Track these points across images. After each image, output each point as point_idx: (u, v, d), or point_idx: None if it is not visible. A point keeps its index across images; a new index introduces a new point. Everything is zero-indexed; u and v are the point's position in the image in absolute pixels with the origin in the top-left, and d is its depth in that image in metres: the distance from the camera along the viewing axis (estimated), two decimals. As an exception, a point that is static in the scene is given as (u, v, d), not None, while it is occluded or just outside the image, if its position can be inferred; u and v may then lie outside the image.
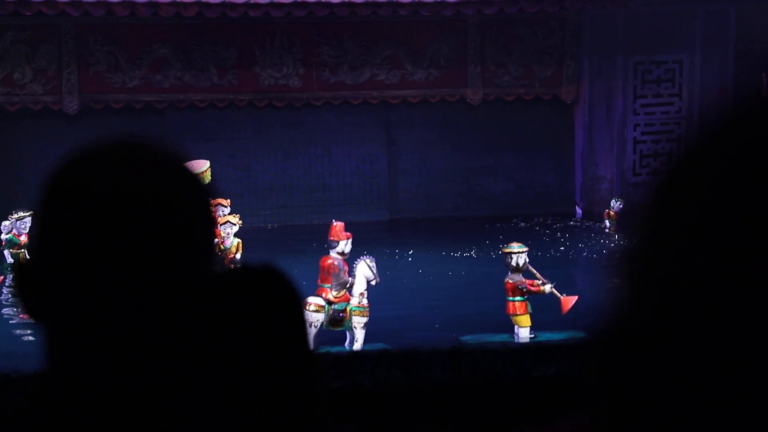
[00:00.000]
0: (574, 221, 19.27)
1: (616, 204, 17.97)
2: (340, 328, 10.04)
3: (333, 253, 10.24)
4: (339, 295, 10.04)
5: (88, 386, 1.11)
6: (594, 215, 18.90)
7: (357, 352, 6.42)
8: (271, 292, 1.81)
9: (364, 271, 10.04)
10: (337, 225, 10.41)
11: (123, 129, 17.21)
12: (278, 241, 16.39)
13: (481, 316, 11.01)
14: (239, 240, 11.80)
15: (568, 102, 19.99)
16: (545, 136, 20.18)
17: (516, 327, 10.13)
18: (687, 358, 0.70)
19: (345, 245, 10.24)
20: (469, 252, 15.75)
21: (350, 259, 10.36)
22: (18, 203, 13.99)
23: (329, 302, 9.96)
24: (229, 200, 12.13)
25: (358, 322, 9.96)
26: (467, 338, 9.71)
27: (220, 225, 11.65)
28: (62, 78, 18.45)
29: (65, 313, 1.12)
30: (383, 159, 20.22)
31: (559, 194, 20.28)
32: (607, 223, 17.82)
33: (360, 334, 9.96)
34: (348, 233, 10.32)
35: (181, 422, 1.14)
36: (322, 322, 9.93)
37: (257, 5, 17.50)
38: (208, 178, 12.94)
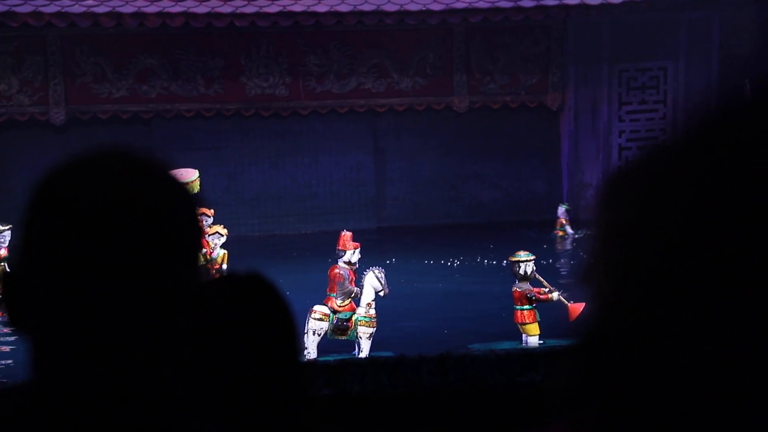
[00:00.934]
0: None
1: (561, 210, 18.01)
2: (344, 338, 9.99)
3: (340, 263, 10.20)
4: (344, 305, 9.99)
5: (74, 397, 1.10)
6: (581, 222, 18.93)
7: (345, 359, 6.41)
8: (257, 300, 1.81)
9: (372, 281, 9.98)
10: (345, 234, 10.38)
11: (110, 139, 17.17)
12: (265, 250, 16.34)
13: (482, 324, 10.92)
14: (225, 251, 11.73)
15: (554, 109, 20.03)
16: (532, 143, 20.20)
17: (524, 336, 10.00)
18: (666, 361, 0.69)
19: (352, 254, 10.21)
20: (460, 260, 15.72)
21: (360, 268, 10.31)
22: (4, 214, 13.92)
23: (334, 311, 9.93)
24: (212, 210, 12.07)
25: (364, 333, 9.90)
26: (476, 347, 9.54)
27: (209, 235, 11.59)
28: (49, 89, 18.39)
29: (51, 323, 1.10)
30: (370, 167, 20.19)
31: (547, 201, 20.28)
32: (556, 233, 17.92)
33: (366, 345, 9.90)
34: (356, 243, 10.28)
35: (168, 430, 1.14)
36: (326, 331, 9.90)
37: (243, 15, 17.51)
38: (196, 187, 12.91)
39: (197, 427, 1.18)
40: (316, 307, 9.90)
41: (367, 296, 9.99)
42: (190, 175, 13.04)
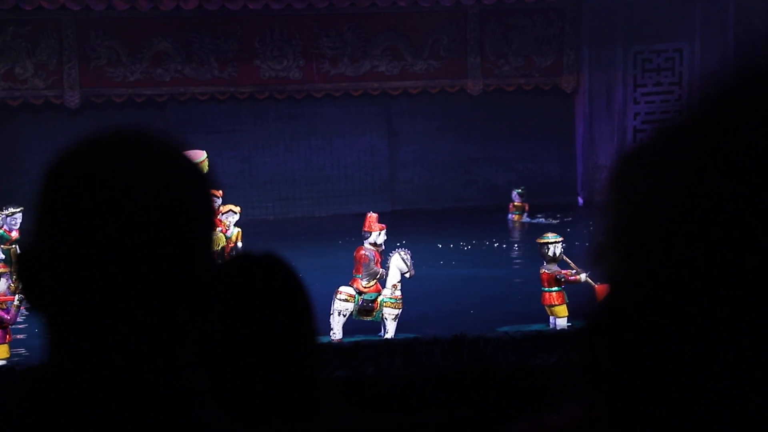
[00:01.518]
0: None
1: (515, 193, 17.90)
2: (370, 318, 9.98)
3: (366, 244, 10.19)
4: (369, 286, 9.99)
5: (88, 379, 1.11)
6: (595, 205, 18.86)
7: (359, 341, 6.42)
8: (273, 279, 1.81)
9: (398, 263, 9.97)
10: (371, 216, 10.36)
11: (124, 123, 17.20)
12: (279, 233, 16.37)
13: (504, 308, 10.90)
14: (239, 229, 11.81)
15: (569, 92, 19.96)
16: (546, 126, 20.14)
17: (552, 318, 9.94)
18: (675, 342, 0.69)
19: (378, 236, 10.18)
20: (475, 242, 15.69)
21: (386, 250, 10.32)
22: (20, 196, 13.98)
23: (359, 292, 9.93)
24: (221, 191, 12.12)
25: (390, 314, 9.90)
26: (505, 329, 9.48)
27: (222, 214, 11.67)
28: (63, 72, 18.44)
29: (66, 304, 1.10)
30: (384, 150, 20.19)
31: (561, 184, 20.25)
32: (510, 216, 17.79)
33: (391, 326, 9.90)
34: (382, 224, 10.26)
35: (180, 413, 1.14)
36: (352, 312, 9.91)
37: (257, -2, 17.54)
38: (205, 168, 12.91)
39: (211, 410, 1.19)
40: (342, 288, 9.90)
41: (393, 278, 9.97)
42: (197, 157, 13.07)
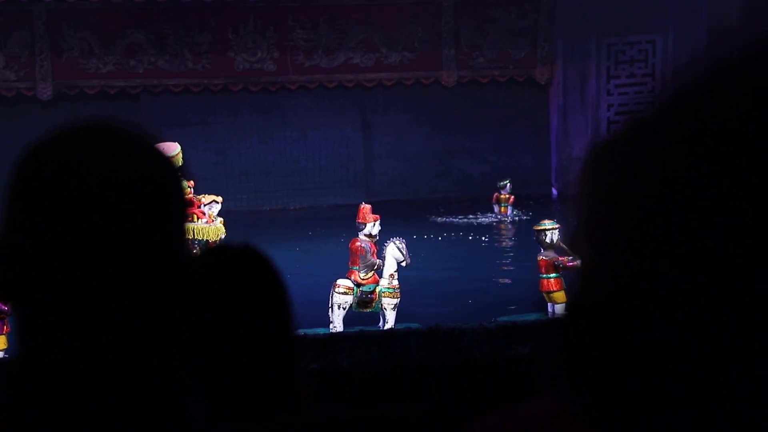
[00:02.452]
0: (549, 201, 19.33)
1: (502, 184, 17.89)
2: (370, 310, 10.00)
3: (361, 236, 10.18)
4: (366, 277, 10.00)
5: (60, 373, 1.10)
6: (569, 196, 18.93)
7: (334, 333, 6.41)
8: (251, 270, 1.81)
9: (394, 252, 9.98)
10: (365, 207, 10.34)
11: (97, 115, 17.10)
12: (254, 225, 16.34)
13: (491, 297, 11.00)
14: (222, 219, 11.90)
15: (543, 83, 20.03)
16: (521, 117, 20.21)
17: (550, 305, 9.97)
18: (647, 333, 0.69)
19: (372, 227, 10.18)
20: (451, 234, 15.74)
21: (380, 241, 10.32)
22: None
23: (357, 284, 9.95)
24: (192, 182, 12.10)
25: (388, 304, 9.92)
26: (504, 319, 9.53)
27: (205, 205, 11.72)
28: (35, 64, 18.29)
29: (36, 297, 1.09)
30: (359, 142, 20.19)
31: (536, 176, 20.32)
32: (495, 208, 17.69)
33: (390, 316, 9.93)
34: (376, 215, 10.26)
35: (154, 407, 1.13)
36: (351, 304, 9.94)
37: (231, -11, 17.47)
38: (179, 161, 12.93)
39: (187, 404, 1.18)
40: (340, 281, 9.92)
41: (389, 267, 9.99)
42: (171, 150, 13.04)
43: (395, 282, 9.97)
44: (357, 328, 8.64)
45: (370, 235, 10.18)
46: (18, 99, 18.32)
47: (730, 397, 0.65)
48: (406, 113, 20.08)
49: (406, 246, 10.07)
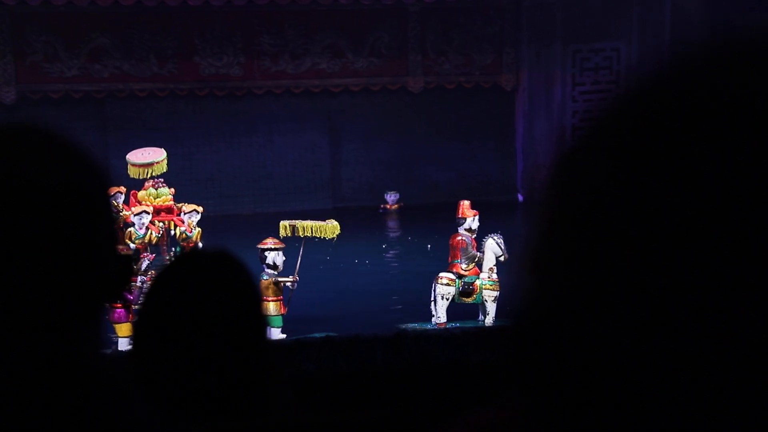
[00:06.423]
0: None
1: (390, 196, 17.87)
2: (470, 300, 10.45)
3: (461, 230, 10.64)
4: (468, 268, 10.47)
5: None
6: (535, 203, 18.97)
7: (300, 339, 6.39)
8: (224, 275, 1.82)
9: (493, 247, 10.42)
10: (464, 203, 10.81)
11: (61, 119, 16.98)
12: (221, 231, 16.26)
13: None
14: (200, 229, 12.11)
15: (508, 90, 20.13)
16: (487, 124, 20.28)
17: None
18: (592, 349, 0.68)
19: (472, 222, 10.64)
20: (417, 240, 15.76)
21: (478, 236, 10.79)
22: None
23: (459, 276, 10.39)
24: (123, 188, 12.12)
25: (489, 296, 10.36)
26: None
27: (185, 214, 11.89)
28: (-2, 68, 18.14)
29: None
30: (326, 148, 20.17)
31: (502, 182, 20.40)
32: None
33: (491, 308, 10.37)
34: (475, 211, 10.70)
35: (92, 406, 1.11)
36: (454, 295, 10.38)
37: (197, -6, 17.40)
38: (165, 167, 13.02)
39: (145, 409, 1.17)
40: (442, 274, 10.42)
41: (489, 261, 10.44)
42: (157, 155, 13.09)
43: (495, 275, 10.43)
44: (456, 323, 9.36)
45: (469, 230, 10.66)
46: (-19, 103, 18.14)
47: (671, 408, 0.65)
48: (373, 119, 20.09)
49: (503, 242, 10.48)
